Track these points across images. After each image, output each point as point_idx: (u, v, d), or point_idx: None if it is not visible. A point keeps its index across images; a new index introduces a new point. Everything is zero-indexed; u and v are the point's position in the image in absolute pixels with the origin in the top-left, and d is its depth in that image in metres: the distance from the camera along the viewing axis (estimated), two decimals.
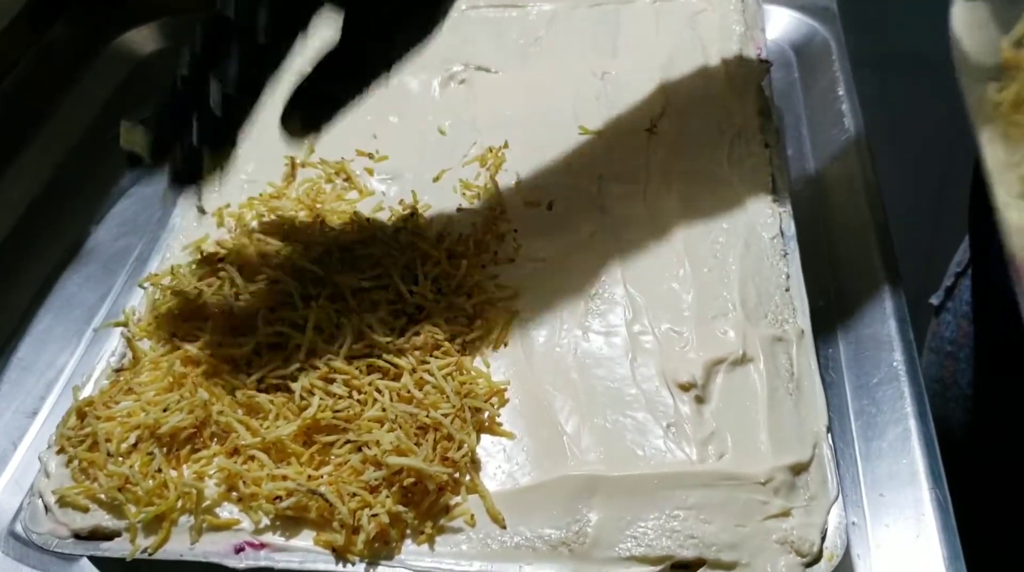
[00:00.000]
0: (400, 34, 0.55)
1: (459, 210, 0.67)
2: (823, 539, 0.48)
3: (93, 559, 0.54)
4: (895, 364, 0.64)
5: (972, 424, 0.80)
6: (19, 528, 0.61)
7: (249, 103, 0.52)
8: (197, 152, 0.52)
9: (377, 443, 0.51)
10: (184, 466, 0.52)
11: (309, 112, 0.55)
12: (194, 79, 0.51)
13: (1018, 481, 0.75)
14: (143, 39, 1.03)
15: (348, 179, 0.71)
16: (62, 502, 0.52)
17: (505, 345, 0.58)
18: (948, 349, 0.85)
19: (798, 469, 0.51)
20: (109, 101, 0.97)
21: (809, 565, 0.47)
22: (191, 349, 0.56)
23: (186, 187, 0.54)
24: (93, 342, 0.72)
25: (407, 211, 0.65)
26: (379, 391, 0.54)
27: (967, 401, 0.82)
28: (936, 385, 0.72)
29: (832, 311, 0.68)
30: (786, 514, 0.49)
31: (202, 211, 0.66)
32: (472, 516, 0.50)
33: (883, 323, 0.67)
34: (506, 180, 0.69)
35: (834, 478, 0.51)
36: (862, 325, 0.67)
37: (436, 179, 0.70)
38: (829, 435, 0.53)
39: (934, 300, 0.90)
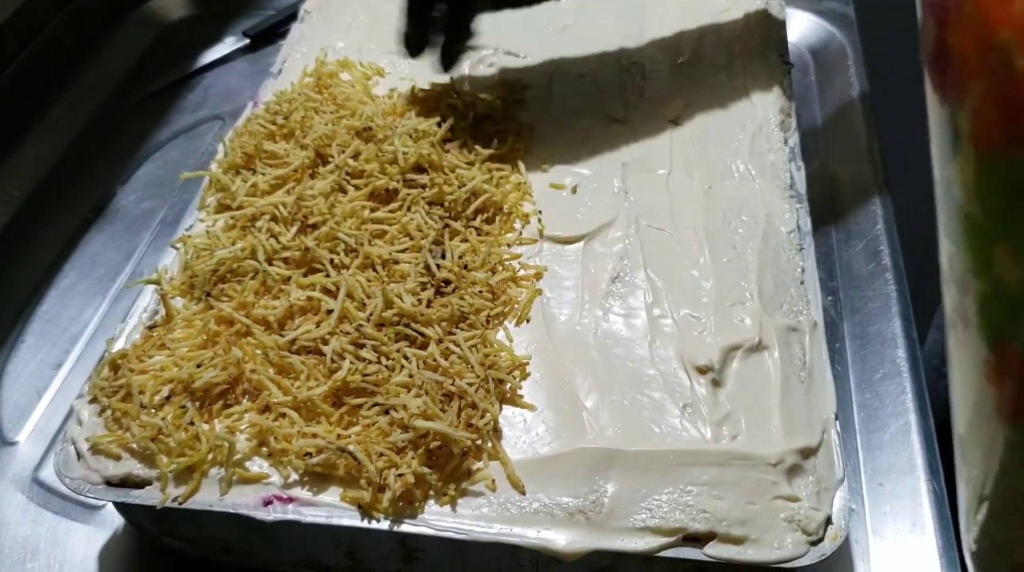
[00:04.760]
0: None
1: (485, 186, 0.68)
2: (828, 519, 0.50)
3: (122, 506, 0.55)
4: (898, 360, 0.66)
5: None
6: (43, 475, 0.63)
7: None
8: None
9: (404, 407, 0.52)
10: (216, 420, 0.54)
11: (441, 56, 0.74)
12: None
13: None
14: (170, 6, 1.05)
15: None
16: (95, 449, 0.53)
17: (528, 321, 0.60)
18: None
19: (807, 453, 0.53)
20: (135, 66, 0.98)
21: (814, 544, 0.50)
22: (225, 308, 0.58)
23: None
24: (116, 299, 0.74)
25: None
26: (407, 358, 0.55)
27: None
28: (935, 360, 0.74)
29: (839, 307, 0.71)
30: (795, 498, 0.51)
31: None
32: (493, 481, 0.51)
33: (888, 321, 0.69)
34: (532, 163, 0.71)
35: (840, 462, 0.53)
36: (868, 322, 0.69)
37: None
38: (836, 422, 0.55)
39: None
